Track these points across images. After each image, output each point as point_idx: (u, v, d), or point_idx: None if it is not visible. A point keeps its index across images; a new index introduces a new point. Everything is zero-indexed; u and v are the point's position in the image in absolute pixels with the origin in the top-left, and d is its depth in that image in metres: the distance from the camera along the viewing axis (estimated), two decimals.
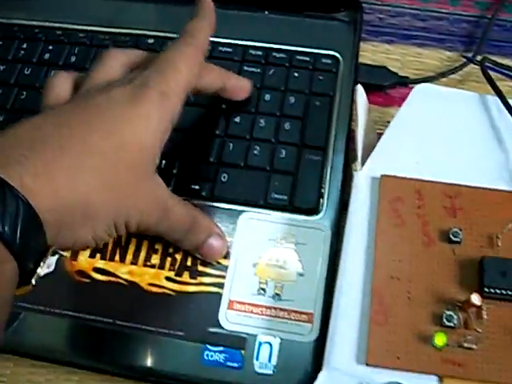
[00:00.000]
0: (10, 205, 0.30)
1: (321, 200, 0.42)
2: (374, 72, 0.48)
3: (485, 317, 0.35)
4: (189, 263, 0.40)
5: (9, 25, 0.51)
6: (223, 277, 0.39)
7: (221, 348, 0.37)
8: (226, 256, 0.40)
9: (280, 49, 0.47)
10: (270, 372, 0.37)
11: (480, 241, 0.38)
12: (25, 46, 0.49)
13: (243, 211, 0.41)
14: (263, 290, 0.39)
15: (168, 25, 0.49)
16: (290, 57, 0.47)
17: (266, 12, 0.50)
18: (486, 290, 0.35)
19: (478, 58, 0.47)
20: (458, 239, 0.37)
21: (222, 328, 0.38)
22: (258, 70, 0.47)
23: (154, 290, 0.39)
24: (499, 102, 0.42)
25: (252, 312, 0.38)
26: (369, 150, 0.41)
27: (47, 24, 0.50)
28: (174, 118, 0.37)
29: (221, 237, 0.39)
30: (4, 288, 0.30)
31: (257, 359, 0.37)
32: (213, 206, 0.42)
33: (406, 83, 0.48)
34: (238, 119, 0.45)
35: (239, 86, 0.43)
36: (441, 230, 0.38)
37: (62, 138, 0.33)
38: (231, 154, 0.43)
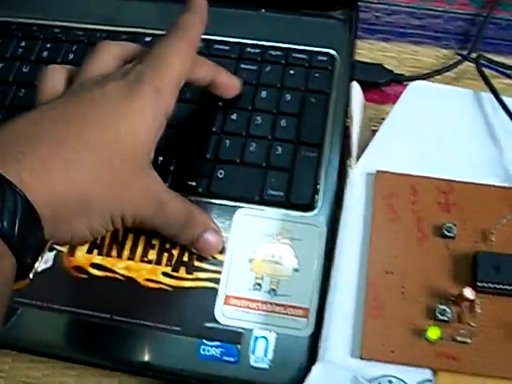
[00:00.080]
0: (9, 200, 0.30)
1: (316, 196, 0.42)
2: (370, 69, 0.48)
3: (478, 311, 0.36)
4: (185, 258, 0.40)
5: (7, 23, 0.51)
6: (219, 272, 0.39)
7: (217, 343, 0.38)
8: (222, 251, 0.40)
9: (276, 46, 0.48)
10: (266, 366, 0.37)
11: (474, 236, 0.38)
12: (23, 43, 0.49)
13: (239, 207, 0.42)
14: (259, 285, 0.39)
15: (166, 23, 0.48)
16: (287, 54, 0.47)
17: (263, 10, 0.50)
18: (480, 284, 0.36)
19: (473, 55, 0.47)
20: (452, 234, 0.38)
21: (218, 323, 0.38)
22: (255, 68, 0.47)
23: (151, 285, 0.40)
24: (494, 99, 0.42)
25: (248, 307, 0.38)
26: (364, 146, 0.41)
27: (45, 22, 0.50)
28: (168, 113, 0.37)
29: (216, 232, 0.40)
30: (2, 283, 0.31)
31: (253, 354, 0.37)
32: (209, 202, 0.42)
33: (401, 80, 0.48)
34: (234, 116, 0.45)
35: (229, 83, 0.44)
36: (435, 226, 0.38)
37: (57, 133, 0.34)
38: (228, 150, 0.43)
